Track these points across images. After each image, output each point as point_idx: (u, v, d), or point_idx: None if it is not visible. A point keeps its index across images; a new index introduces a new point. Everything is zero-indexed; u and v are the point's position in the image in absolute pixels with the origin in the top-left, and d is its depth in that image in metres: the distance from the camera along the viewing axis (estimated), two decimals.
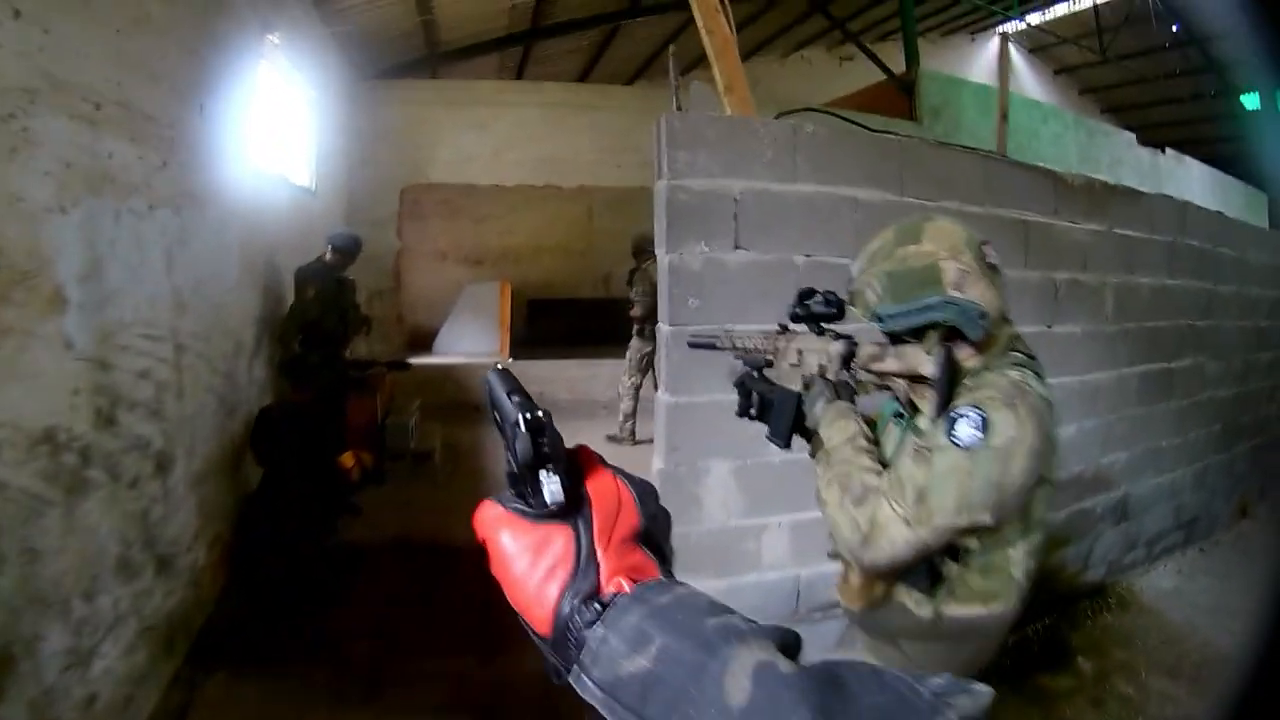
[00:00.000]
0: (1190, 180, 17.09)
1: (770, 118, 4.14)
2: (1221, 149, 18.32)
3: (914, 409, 2.04)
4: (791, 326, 2.28)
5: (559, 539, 0.71)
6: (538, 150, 10.78)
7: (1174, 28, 16.30)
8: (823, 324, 2.20)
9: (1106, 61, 17.32)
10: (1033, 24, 17.16)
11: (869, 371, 2.08)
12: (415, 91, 10.60)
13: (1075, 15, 17.46)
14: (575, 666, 0.64)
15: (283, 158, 7.56)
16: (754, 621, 0.63)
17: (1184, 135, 17.95)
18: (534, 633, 0.69)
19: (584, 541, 0.71)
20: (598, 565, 0.70)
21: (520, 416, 0.74)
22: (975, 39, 18.60)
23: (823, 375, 2.17)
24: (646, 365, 8.52)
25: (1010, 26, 17.90)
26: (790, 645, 0.60)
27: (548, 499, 0.72)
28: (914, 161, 4.05)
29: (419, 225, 15.56)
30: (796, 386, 2.23)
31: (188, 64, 4.67)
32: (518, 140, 10.72)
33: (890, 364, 2.01)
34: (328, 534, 5.74)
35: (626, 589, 0.67)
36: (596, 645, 0.63)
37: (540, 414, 0.74)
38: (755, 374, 2.39)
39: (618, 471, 0.79)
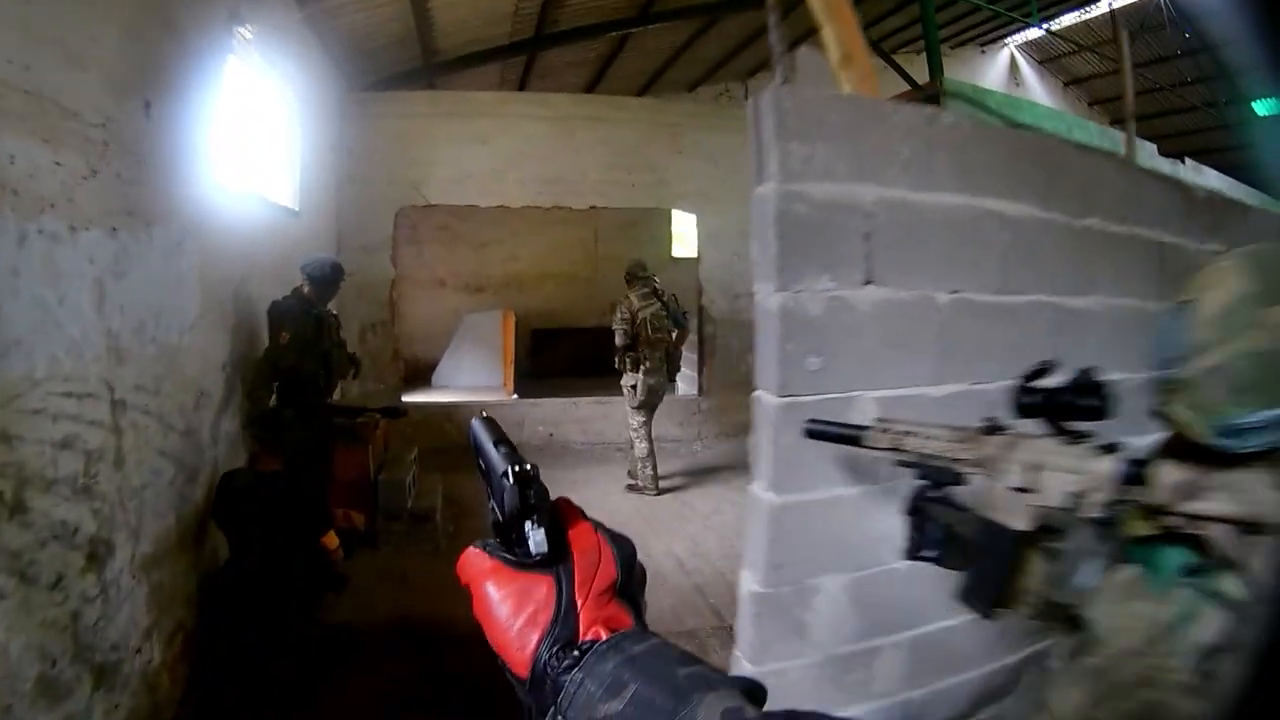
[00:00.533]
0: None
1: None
2: (1233, 157, 17.91)
3: (1226, 566, 1.26)
4: (1004, 422, 1.61)
5: (541, 588, 0.73)
6: (544, 168, 9.85)
7: (1186, 34, 16.03)
8: (1068, 424, 1.46)
9: (1118, 72, 16.77)
10: (1051, 31, 16.61)
11: (1170, 512, 1.31)
12: (410, 104, 9.68)
13: (1085, 23, 16.89)
14: (552, 709, 0.66)
15: (258, 172, 6.64)
16: (722, 672, 0.65)
17: (1197, 144, 17.50)
18: (512, 675, 0.72)
19: (565, 591, 0.73)
20: (577, 614, 0.72)
21: (509, 468, 0.77)
22: (985, 51, 17.96)
23: (1082, 511, 1.38)
24: (649, 396, 8.01)
25: (1022, 36, 17.84)
26: (757, 694, 0.63)
27: (532, 549, 0.74)
28: (1059, 166, 3.13)
29: (415, 251, 15.31)
30: (1018, 522, 1.46)
31: (130, 50, 3.79)
32: (522, 157, 9.79)
33: (1216, 503, 1.27)
34: (308, 618, 4.79)
35: (603, 637, 0.70)
36: (574, 689, 0.65)
37: (528, 466, 0.77)
38: (939, 495, 1.73)
39: (598, 525, 0.81)
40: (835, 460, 2.36)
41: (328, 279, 5.94)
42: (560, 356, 14.91)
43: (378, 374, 9.57)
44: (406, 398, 10.77)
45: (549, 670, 0.69)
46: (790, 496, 2.49)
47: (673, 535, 6.84)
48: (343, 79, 9.31)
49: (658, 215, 15.91)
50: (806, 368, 2.43)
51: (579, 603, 0.74)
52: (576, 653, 0.69)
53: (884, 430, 1.82)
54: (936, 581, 1.71)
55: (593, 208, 10.50)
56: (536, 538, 0.75)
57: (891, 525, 1.87)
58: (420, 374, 14.61)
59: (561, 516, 0.80)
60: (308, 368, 5.61)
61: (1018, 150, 2.97)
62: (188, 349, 4.44)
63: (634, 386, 7.96)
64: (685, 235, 15.93)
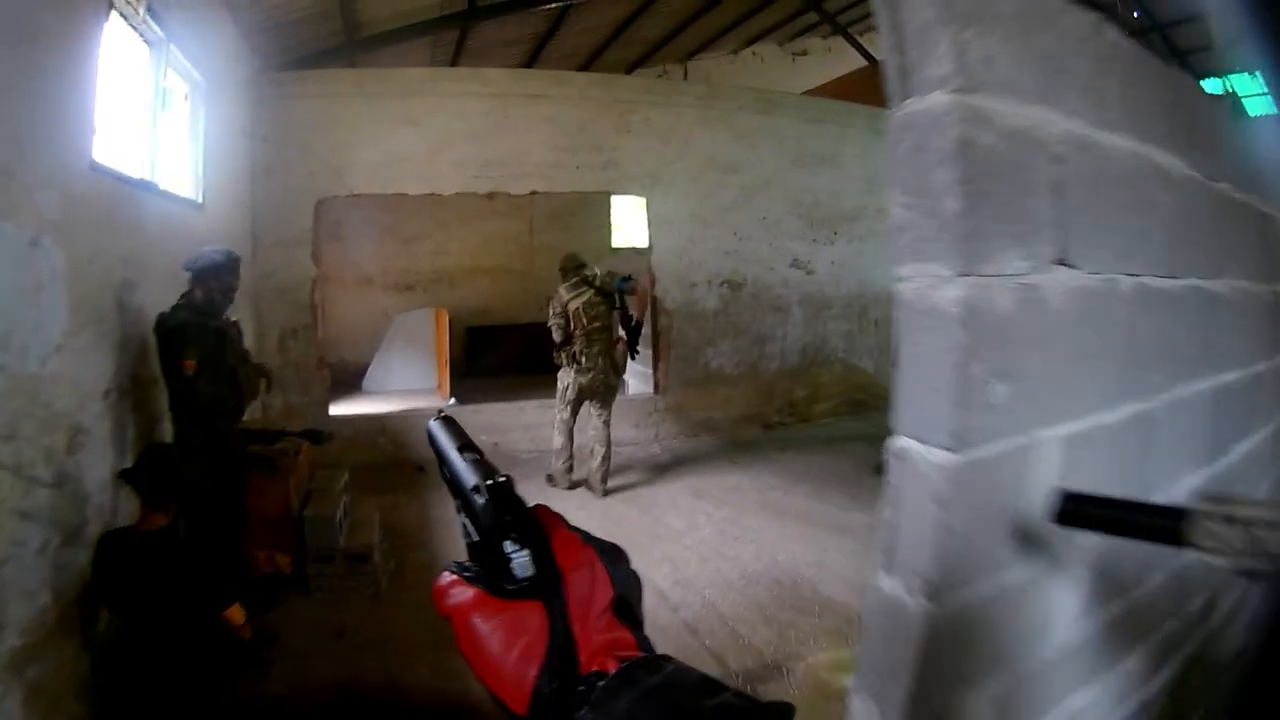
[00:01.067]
0: None
1: None
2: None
3: None
4: None
5: (533, 617, 0.68)
6: (480, 150, 8.90)
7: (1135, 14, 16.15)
8: None
9: None
10: None
11: None
12: (332, 83, 8.67)
13: None
14: None
15: (148, 158, 5.61)
16: (748, 697, 0.63)
17: None
18: (507, 709, 0.67)
19: (559, 618, 0.68)
20: (575, 642, 0.67)
21: (481, 483, 0.72)
22: None
23: None
24: (577, 396, 7.61)
25: None
26: (789, 716, 0.60)
27: (517, 574, 0.69)
28: (1195, 113, 2.39)
29: (340, 248, 14.25)
30: None
31: None
32: (456, 138, 8.84)
33: None
34: (228, 697, 3.84)
35: (610, 668, 0.66)
36: None
37: (502, 479, 0.72)
38: None
39: (586, 537, 0.76)
40: (1009, 534, 1.55)
41: (220, 276, 4.83)
42: (498, 355, 14.07)
43: (301, 385, 8.62)
44: (334, 408, 9.83)
45: (551, 708, 0.63)
46: (952, 602, 1.54)
47: (647, 558, 6.05)
48: (256, 57, 8.32)
49: (596, 204, 15.39)
50: (989, 400, 1.47)
51: (576, 629, 0.67)
52: (583, 687, 0.63)
53: (1227, 517, 1.04)
54: None
55: (533, 193, 9.58)
56: (520, 561, 0.69)
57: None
58: (349, 380, 13.57)
59: (544, 530, 0.73)
60: (207, 392, 4.59)
61: (1168, 87, 2.19)
62: (53, 377, 3.50)
63: (566, 386, 7.60)
64: (626, 224, 15.65)
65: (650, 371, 9.95)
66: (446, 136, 8.83)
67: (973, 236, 1.41)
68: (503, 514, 0.70)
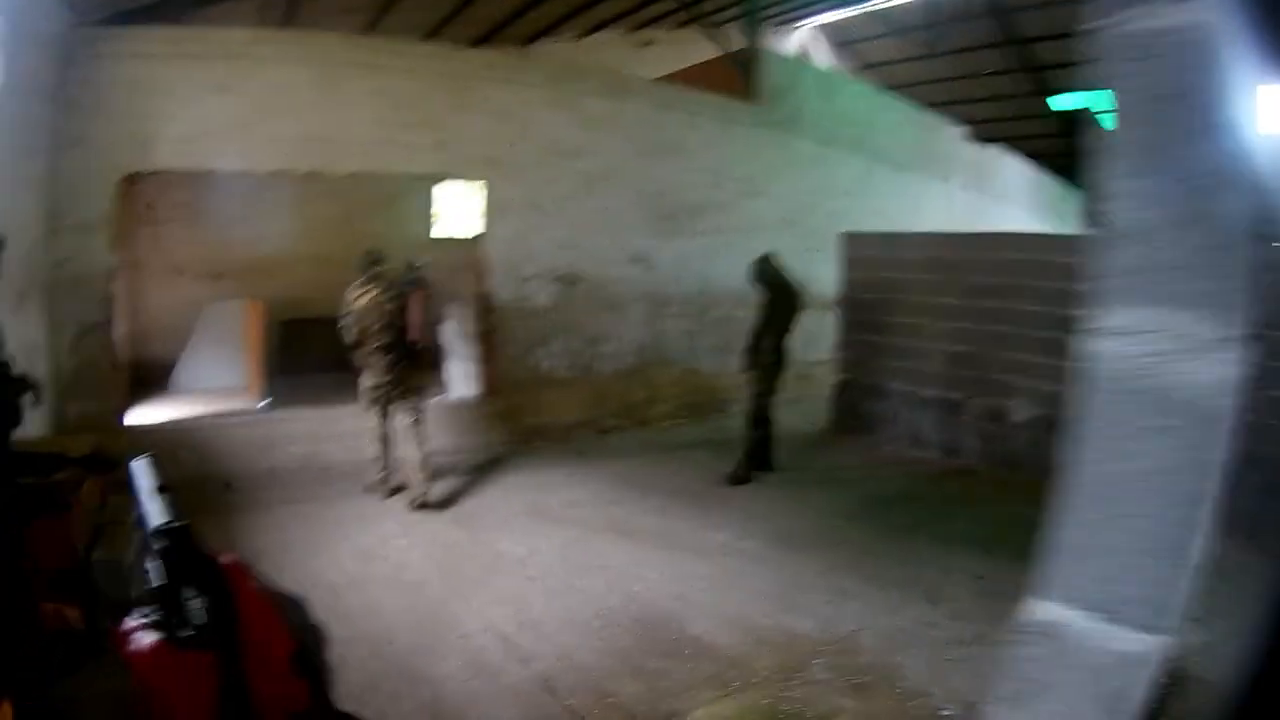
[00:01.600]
0: (1012, 175, 18.06)
1: None
2: (1037, 146, 20.25)
3: None
4: None
5: (204, 667, 0.69)
6: (302, 124, 8.20)
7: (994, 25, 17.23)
8: None
9: (916, 59, 18.45)
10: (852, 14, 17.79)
11: None
12: (146, 42, 7.70)
13: (875, 13, 17.96)
14: None
15: None
16: None
17: (996, 132, 19.23)
18: None
19: (231, 668, 0.69)
20: (248, 695, 0.69)
21: (161, 523, 0.71)
22: (778, 31, 17.93)
23: None
24: (375, 399, 7.30)
25: (820, 18, 18.44)
26: None
27: (192, 619, 0.69)
28: None
29: (152, 233, 13.35)
30: None
31: None
32: (275, 110, 8.09)
33: None
34: None
35: None
36: None
37: (180, 524, 0.72)
38: None
39: (268, 589, 0.39)
40: None
41: None
42: (314, 351, 13.09)
43: (98, 390, 7.68)
44: (136, 414, 9.06)
45: None
46: None
47: (485, 595, 5.49)
48: (67, 8, 7.30)
49: (418, 190, 14.84)
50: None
51: (253, 681, 0.66)
52: None
53: None
54: None
55: (353, 176, 9.07)
56: (194, 608, 0.43)
57: None
58: (158, 379, 12.61)
59: (228, 581, 0.73)
60: None
61: None
62: None
63: (366, 388, 7.33)
64: (450, 213, 15.20)
65: (477, 372, 9.48)
66: (264, 107, 8.09)
67: None
68: (179, 559, 0.64)
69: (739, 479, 7.73)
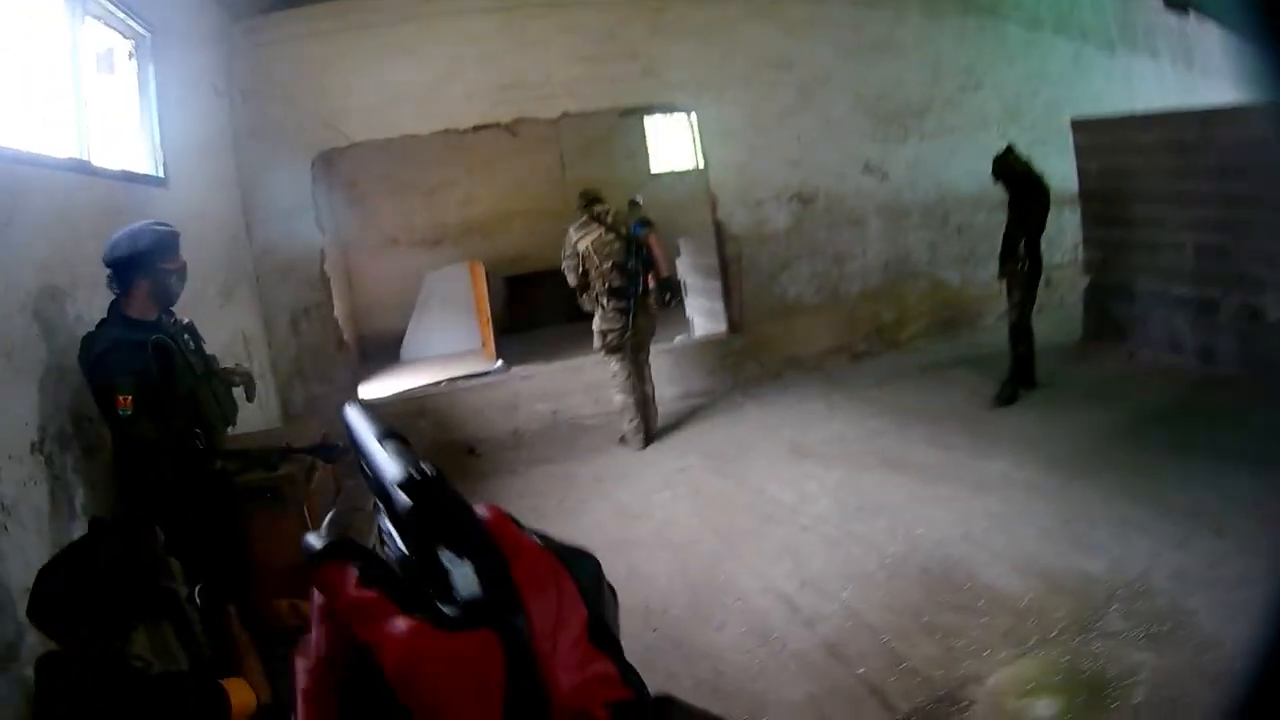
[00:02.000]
0: (1213, 46, 15.67)
1: None
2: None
3: None
4: None
5: (484, 651, 0.54)
6: (495, 72, 7.61)
7: None
8: None
9: None
10: None
11: None
12: (312, 21, 7.34)
13: None
14: None
15: (75, 131, 4.47)
16: None
17: None
18: None
19: (521, 651, 0.55)
20: (544, 682, 0.55)
21: (404, 476, 0.59)
22: None
23: None
24: (617, 344, 6.91)
25: None
26: None
27: (459, 594, 0.56)
28: None
29: (360, 210, 13.40)
30: None
31: None
32: (465, 63, 7.51)
33: None
34: None
35: (598, 717, 0.53)
36: None
37: (430, 471, 0.60)
38: None
39: (545, 541, 0.63)
40: None
41: (153, 264, 3.52)
42: (542, 305, 12.99)
43: (322, 372, 7.56)
44: (368, 390, 8.79)
45: None
46: None
47: (760, 550, 4.90)
48: (222, 8, 7.06)
49: (629, 128, 14.07)
50: None
51: (544, 664, 0.55)
52: None
53: None
54: None
55: (563, 117, 8.17)
56: (463, 578, 0.55)
57: None
58: (387, 352, 12.66)
59: (495, 539, 0.59)
60: (171, 431, 3.47)
61: None
62: None
63: (601, 333, 6.96)
64: (665, 146, 14.48)
65: (721, 308, 8.66)
66: (454, 63, 7.52)
67: None
68: (431, 517, 0.55)
69: (1006, 399, 6.83)
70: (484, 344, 11.55)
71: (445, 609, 0.55)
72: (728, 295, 8.43)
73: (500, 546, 0.58)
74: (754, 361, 8.46)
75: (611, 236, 6.76)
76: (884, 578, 4.43)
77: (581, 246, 6.79)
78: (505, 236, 13.84)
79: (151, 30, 5.57)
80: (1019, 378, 6.89)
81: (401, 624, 0.54)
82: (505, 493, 6.30)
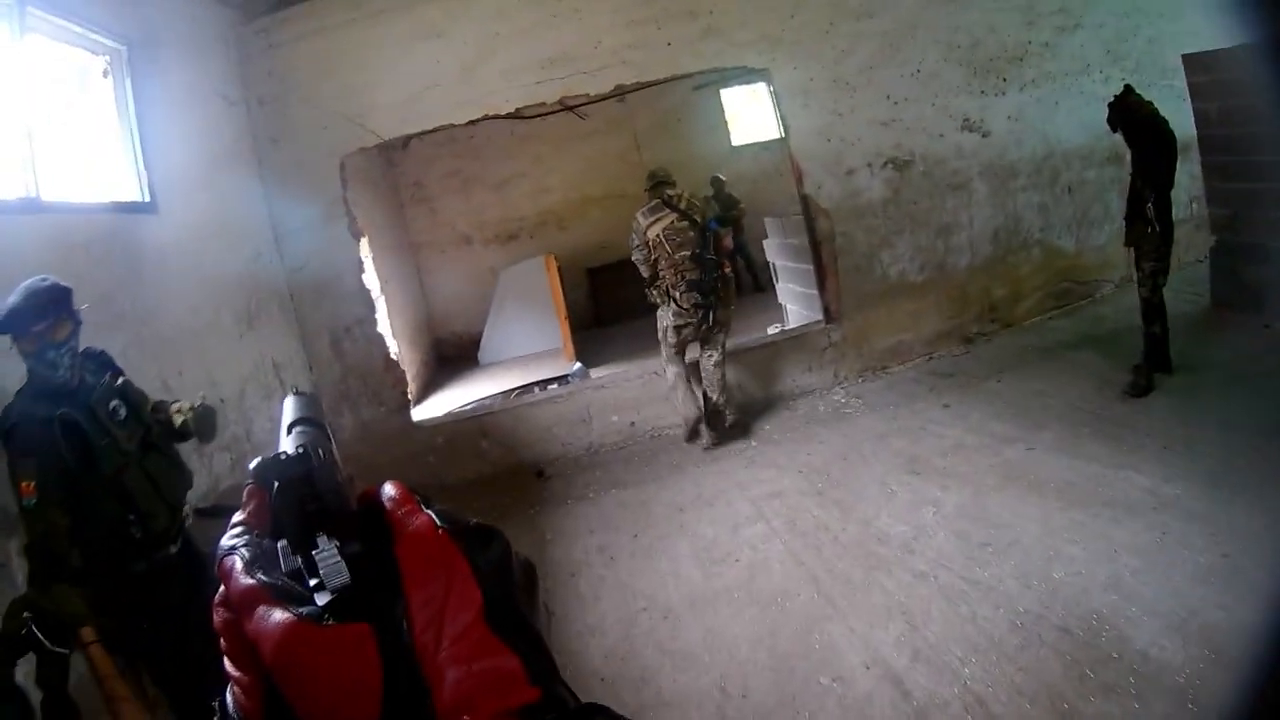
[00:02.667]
0: None
1: None
2: None
3: None
4: None
5: (358, 647, 0.50)
6: (534, 47, 6.69)
7: None
8: None
9: None
10: None
11: None
12: (325, 14, 6.62)
13: None
14: None
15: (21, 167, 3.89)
16: None
17: None
18: None
19: (398, 644, 0.50)
20: (427, 683, 0.49)
21: (276, 455, 0.58)
22: None
23: None
24: (679, 340, 6.48)
25: None
26: None
27: (326, 583, 0.51)
28: None
29: (427, 210, 13.12)
30: None
31: None
32: (501, 41, 6.63)
33: None
34: None
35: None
36: None
37: (300, 449, 0.58)
38: None
39: (440, 515, 0.57)
40: None
41: (28, 327, 2.89)
42: (627, 295, 12.12)
43: (371, 394, 6.90)
44: (439, 400, 9.10)
45: None
46: None
47: (866, 606, 3.95)
48: (226, 10, 6.46)
49: (705, 101, 13.32)
50: None
51: (426, 659, 0.49)
52: None
53: None
54: None
55: (619, 91, 7.31)
56: (328, 563, 0.51)
57: None
58: (467, 357, 12.23)
59: (385, 515, 0.55)
60: (100, 521, 2.96)
61: None
62: None
63: (665, 328, 6.49)
64: (744, 117, 13.61)
65: (815, 293, 7.62)
66: (487, 42, 6.66)
67: None
68: (296, 499, 0.52)
69: (1140, 389, 5.66)
70: (564, 344, 10.79)
71: (319, 598, 0.49)
72: (821, 279, 7.36)
73: (389, 525, 0.53)
74: (855, 353, 7.39)
75: (685, 224, 6.25)
76: (1015, 645, 3.48)
77: (652, 234, 6.31)
78: (582, 226, 13.21)
79: (128, 43, 5.03)
80: (1153, 362, 5.75)
81: (277, 616, 0.50)
82: (575, 526, 5.58)
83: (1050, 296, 7.83)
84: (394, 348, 10.32)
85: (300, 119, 6.60)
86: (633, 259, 6.59)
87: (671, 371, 6.59)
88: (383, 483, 0.58)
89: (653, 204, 6.38)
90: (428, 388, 11.23)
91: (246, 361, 5.63)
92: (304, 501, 0.53)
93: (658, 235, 6.28)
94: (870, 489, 5.13)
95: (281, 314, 6.43)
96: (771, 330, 8.54)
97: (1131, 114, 5.63)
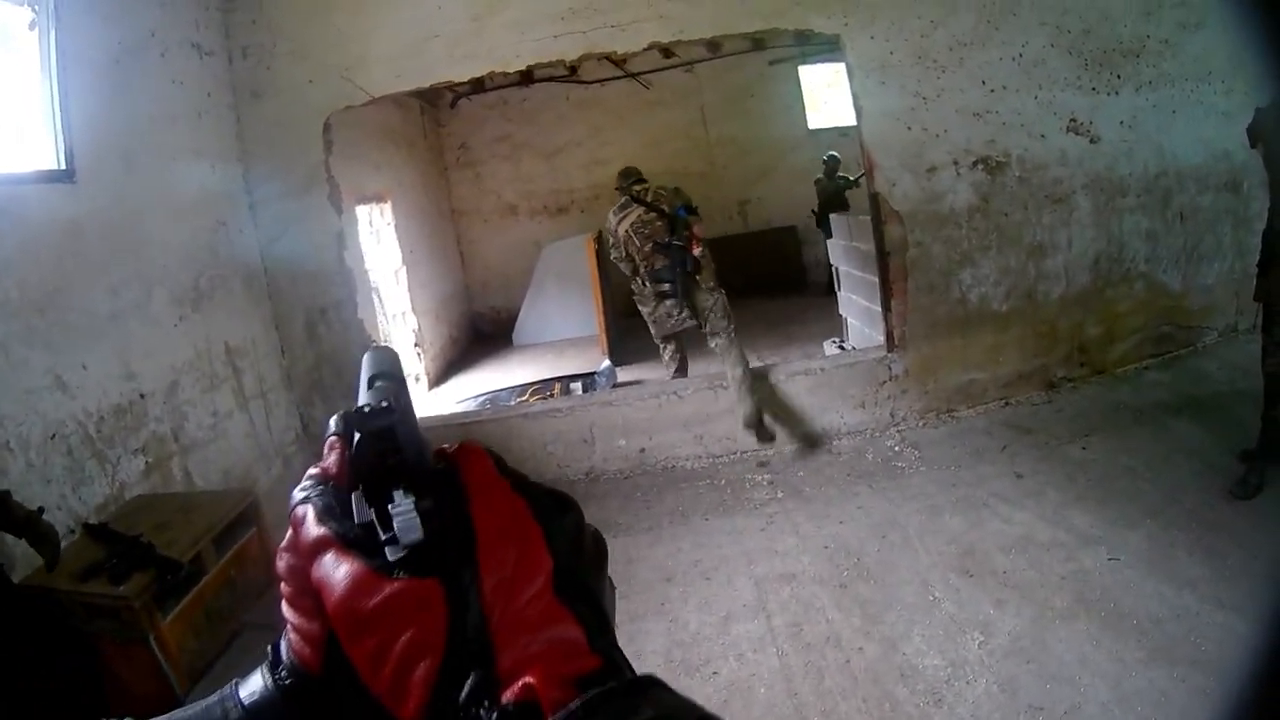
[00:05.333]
0: None
1: None
2: None
3: None
4: None
5: (423, 600, 0.48)
6: None
7: None
8: None
9: None
10: None
11: None
12: None
13: None
14: None
15: None
16: None
17: None
18: None
19: (466, 604, 0.48)
20: (492, 642, 0.47)
21: (351, 412, 0.56)
22: None
23: None
24: (663, 330, 6.53)
25: None
26: None
27: (399, 537, 0.49)
28: None
29: (472, 175, 12.52)
30: None
31: None
32: None
33: None
34: None
35: (545, 697, 0.44)
36: None
37: (385, 403, 0.54)
38: None
39: (518, 482, 0.55)
40: None
41: None
42: None
43: (346, 390, 5.92)
44: (453, 386, 8.57)
45: None
46: None
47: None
48: None
49: (781, 76, 12.33)
50: None
51: (495, 618, 0.47)
52: (496, 716, 0.44)
53: None
54: None
55: (656, 48, 6.25)
56: (403, 517, 0.48)
57: None
58: (504, 334, 11.64)
59: (462, 477, 0.53)
60: None
61: None
62: None
63: (651, 320, 6.57)
64: (823, 98, 12.68)
65: (878, 310, 6.44)
66: None
67: None
68: (377, 452, 0.50)
69: (1250, 488, 4.40)
70: (600, 333, 9.88)
71: (390, 552, 0.47)
72: (887, 297, 6.15)
73: (464, 485, 0.51)
74: (918, 390, 6.18)
75: (652, 216, 6.29)
76: None
77: (621, 230, 6.36)
78: None
79: None
80: (1269, 454, 4.48)
81: (345, 565, 0.48)
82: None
83: (1148, 341, 6.53)
84: (412, 324, 9.60)
85: (285, 72, 5.73)
86: (611, 258, 6.71)
87: (664, 359, 6.76)
88: (460, 441, 0.53)
89: (621, 201, 6.45)
90: (452, 367, 10.60)
91: (184, 349, 4.82)
92: (384, 455, 0.50)
93: (627, 231, 6.32)
94: (908, 590, 3.99)
95: (247, 292, 5.60)
96: (828, 345, 7.54)
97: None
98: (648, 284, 6.33)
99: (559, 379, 8.51)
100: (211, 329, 5.11)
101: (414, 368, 9.55)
